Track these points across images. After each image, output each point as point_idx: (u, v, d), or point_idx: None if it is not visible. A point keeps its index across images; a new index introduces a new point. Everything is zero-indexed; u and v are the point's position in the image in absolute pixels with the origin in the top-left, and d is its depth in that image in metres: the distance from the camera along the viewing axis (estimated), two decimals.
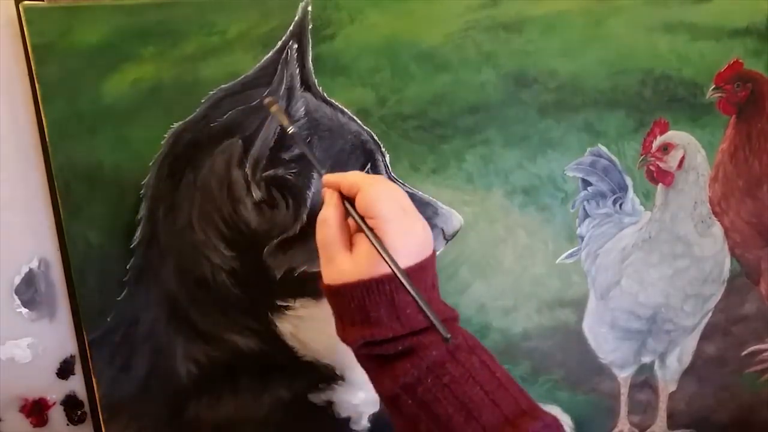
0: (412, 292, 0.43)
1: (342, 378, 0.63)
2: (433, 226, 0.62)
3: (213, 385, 0.61)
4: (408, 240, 0.46)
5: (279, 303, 0.61)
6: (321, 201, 0.50)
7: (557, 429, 0.44)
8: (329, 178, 0.50)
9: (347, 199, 0.48)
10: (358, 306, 0.46)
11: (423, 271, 0.47)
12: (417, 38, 0.60)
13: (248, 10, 0.57)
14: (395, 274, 0.44)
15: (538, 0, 0.62)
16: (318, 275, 0.49)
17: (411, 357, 0.45)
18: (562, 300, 0.68)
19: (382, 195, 0.47)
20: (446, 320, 0.46)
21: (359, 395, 0.64)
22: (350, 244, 0.48)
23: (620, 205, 0.68)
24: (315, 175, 0.59)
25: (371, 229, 0.46)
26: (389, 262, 0.44)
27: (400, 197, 0.48)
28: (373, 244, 0.45)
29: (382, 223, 0.45)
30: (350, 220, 0.49)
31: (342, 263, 0.47)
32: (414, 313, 0.45)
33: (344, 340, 0.48)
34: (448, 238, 0.63)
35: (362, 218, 0.46)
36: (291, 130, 0.53)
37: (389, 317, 0.45)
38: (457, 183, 0.63)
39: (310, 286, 0.61)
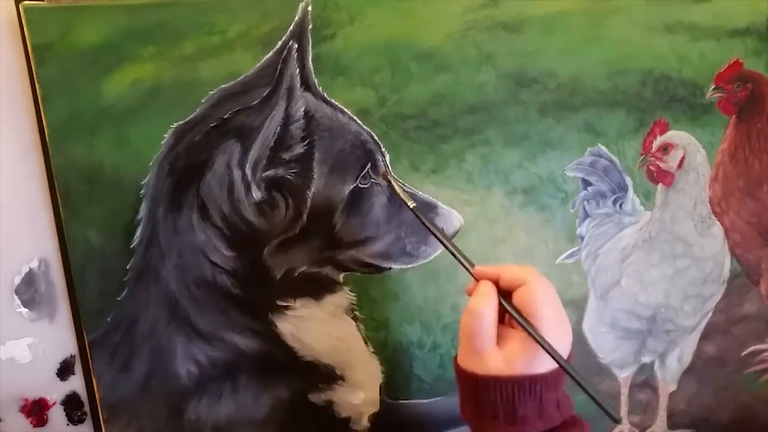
0: (582, 383, 0.44)
1: (342, 378, 0.63)
2: None
3: (213, 385, 0.61)
4: (560, 340, 0.46)
5: (279, 303, 0.61)
6: (468, 291, 0.50)
7: None
8: (485, 269, 0.49)
9: (503, 293, 0.47)
10: (507, 402, 0.45)
11: (563, 375, 0.47)
12: (417, 38, 0.60)
13: (248, 10, 0.57)
14: (561, 367, 0.45)
15: (538, 0, 0.62)
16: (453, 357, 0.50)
17: None
18: (562, 300, 0.67)
19: (547, 296, 0.47)
20: (572, 417, 0.48)
21: (359, 395, 0.64)
22: (497, 338, 0.47)
23: (620, 205, 0.68)
24: (315, 175, 0.58)
25: (532, 326, 0.45)
26: (554, 356, 0.44)
27: (556, 298, 0.48)
28: (536, 339, 0.44)
29: (542, 323, 0.45)
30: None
31: (491, 359, 0.46)
32: (555, 410, 0.46)
33: (476, 427, 0.48)
34: None
35: (522, 317, 0.46)
36: (412, 205, 0.54)
37: (534, 415, 0.45)
38: (457, 183, 0.63)
39: (310, 286, 0.61)
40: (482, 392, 0.46)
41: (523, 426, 0.45)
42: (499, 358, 0.46)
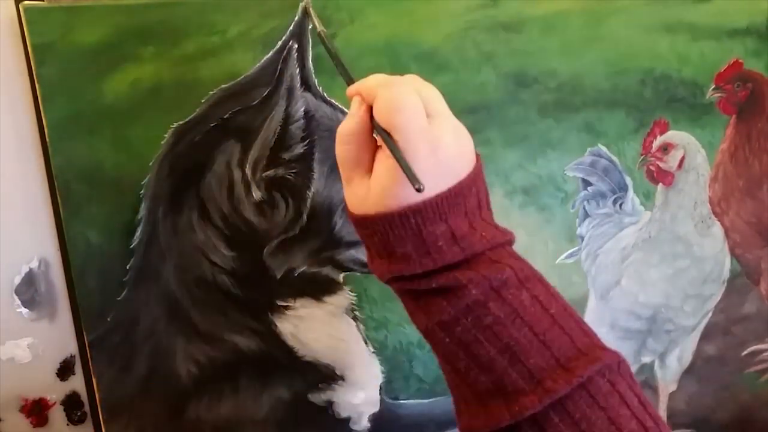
0: (398, 157, 0.37)
1: (342, 378, 0.63)
2: None
3: (213, 386, 0.61)
4: (434, 160, 0.39)
5: (279, 303, 0.61)
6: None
7: (619, 367, 0.39)
8: (354, 86, 0.43)
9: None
10: (382, 240, 0.40)
11: (459, 196, 0.40)
12: (417, 38, 0.60)
13: (248, 10, 0.57)
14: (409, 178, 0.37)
15: (538, 0, 0.62)
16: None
17: (447, 295, 0.39)
18: None
19: (400, 103, 0.39)
20: (501, 244, 0.41)
21: (359, 395, 0.64)
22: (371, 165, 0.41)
23: (620, 205, 0.68)
24: (315, 175, 0.59)
25: (398, 149, 0.38)
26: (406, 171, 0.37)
27: (428, 99, 0.41)
28: (395, 157, 0.38)
29: (402, 137, 0.38)
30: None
31: (359, 187, 0.41)
32: (448, 245, 0.39)
33: (373, 272, 0.43)
34: None
35: (387, 134, 0.39)
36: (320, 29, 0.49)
37: (418, 252, 0.39)
38: None
39: (310, 286, 0.61)
40: (361, 231, 0.42)
41: (407, 264, 0.39)
42: (366, 189, 0.40)
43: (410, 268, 0.40)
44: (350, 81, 0.44)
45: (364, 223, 0.41)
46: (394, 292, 0.44)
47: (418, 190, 0.36)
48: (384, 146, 0.40)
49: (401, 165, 0.37)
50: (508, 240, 0.43)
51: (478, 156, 0.43)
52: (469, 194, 0.40)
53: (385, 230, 0.39)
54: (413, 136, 0.38)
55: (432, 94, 0.42)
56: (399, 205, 0.39)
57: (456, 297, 0.39)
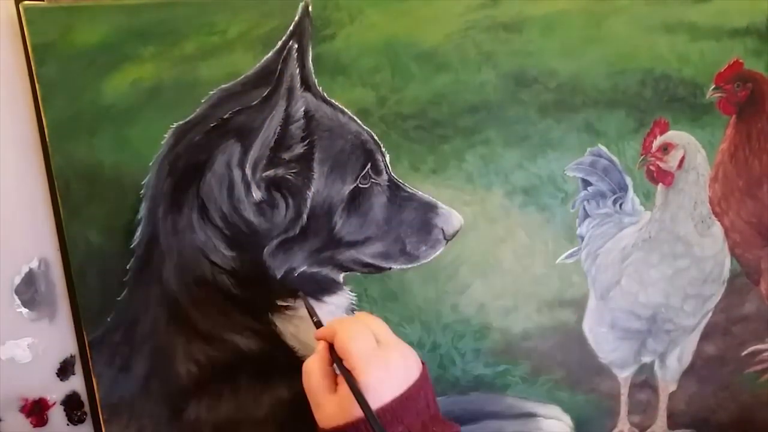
0: (367, 414, 0.45)
1: None
2: (433, 226, 0.62)
3: (213, 385, 0.61)
4: (386, 374, 0.48)
5: (279, 303, 0.61)
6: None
7: None
8: (323, 329, 0.53)
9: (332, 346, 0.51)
10: None
11: (410, 400, 0.48)
12: (417, 38, 0.60)
13: (248, 10, 0.57)
14: (363, 409, 0.46)
15: (538, 0, 0.62)
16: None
17: None
18: (562, 300, 0.68)
19: (353, 334, 0.50)
20: None
21: None
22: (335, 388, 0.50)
23: (620, 205, 0.68)
24: (315, 175, 0.59)
25: (347, 371, 0.48)
26: (357, 398, 0.46)
27: (377, 331, 0.51)
28: (348, 383, 0.47)
29: (356, 362, 0.48)
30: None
31: (327, 407, 0.49)
32: None
33: None
34: (448, 238, 0.63)
35: (340, 361, 0.49)
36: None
37: None
38: (457, 183, 0.63)
39: (310, 286, 0.61)
40: None
41: None
42: (334, 406, 0.48)
43: None
44: (319, 325, 0.55)
45: None
46: None
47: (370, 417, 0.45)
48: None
49: (351, 388, 0.47)
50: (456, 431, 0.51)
51: (423, 364, 0.51)
52: (417, 397, 0.49)
53: None
54: (366, 355, 0.48)
55: (381, 328, 0.52)
56: (354, 417, 0.47)
57: None
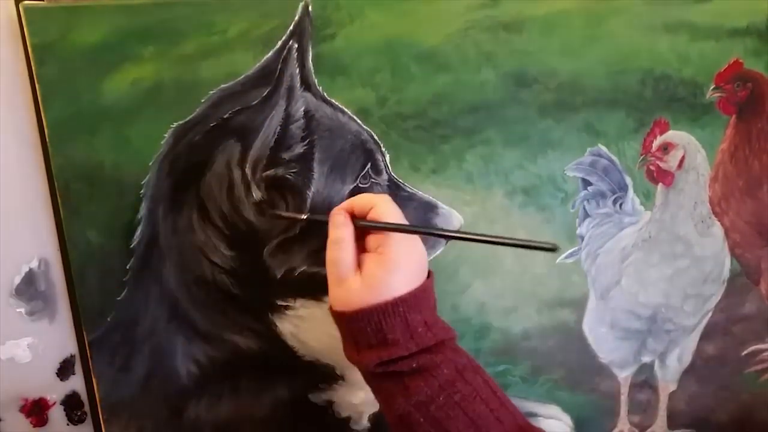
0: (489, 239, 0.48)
1: (342, 378, 0.63)
2: (432, 227, 0.62)
3: (213, 385, 0.61)
4: (413, 258, 0.49)
5: (279, 303, 0.61)
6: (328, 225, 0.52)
7: None
8: (339, 206, 0.52)
9: (358, 219, 0.51)
10: (376, 329, 0.47)
11: (425, 293, 0.49)
12: (417, 38, 0.60)
13: (248, 10, 0.57)
14: (446, 236, 0.50)
15: (538, 0, 0.62)
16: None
17: (424, 375, 0.47)
18: (562, 300, 0.68)
19: (394, 212, 0.50)
20: (446, 340, 0.49)
21: (359, 395, 0.64)
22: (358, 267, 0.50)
23: (620, 205, 0.68)
24: (315, 175, 0.59)
25: (397, 225, 0.49)
26: (436, 233, 0.52)
27: (404, 219, 0.51)
28: (405, 230, 0.49)
29: (392, 238, 0.49)
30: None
31: (353, 284, 0.48)
32: (425, 331, 0.48)
33: (359, 362, 0.50)
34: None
35: (382, 223, 0.49)
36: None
37: (404, 337, 0.47)
38: (457, 183, 0.63)
39: (310, 286, 0.61)
40: (355, 325, 0.48)
41: (396, 348, 0.47)
42: (360, 284, 0.48)
43: (399, 351, 0.47)
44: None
45: (357, 316, 0.48)
46: (371, 384, 0.50)
47: (553, 249, 0.44)
48: (370, 249, 0.50)
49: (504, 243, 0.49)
50: (454, 336, 0.51)
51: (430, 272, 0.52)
52: (431, 292, 0.50)
53: (378, 319, 0.47)
54: (400, 239, 0.49)
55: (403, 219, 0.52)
56: (391, 295, 0.47)
57: (432, 376, 0.47)
